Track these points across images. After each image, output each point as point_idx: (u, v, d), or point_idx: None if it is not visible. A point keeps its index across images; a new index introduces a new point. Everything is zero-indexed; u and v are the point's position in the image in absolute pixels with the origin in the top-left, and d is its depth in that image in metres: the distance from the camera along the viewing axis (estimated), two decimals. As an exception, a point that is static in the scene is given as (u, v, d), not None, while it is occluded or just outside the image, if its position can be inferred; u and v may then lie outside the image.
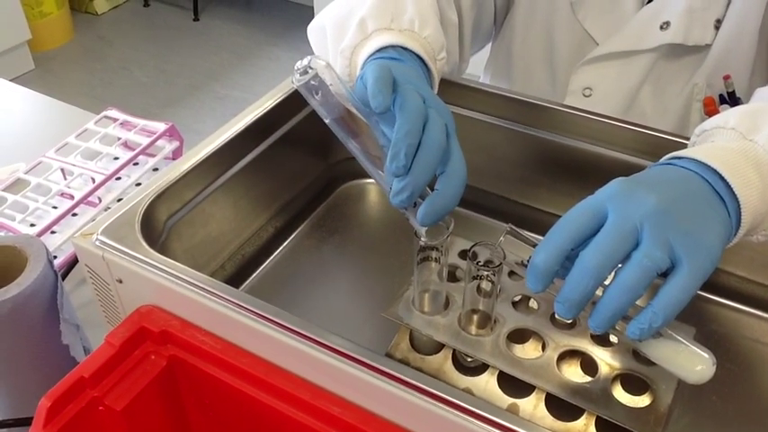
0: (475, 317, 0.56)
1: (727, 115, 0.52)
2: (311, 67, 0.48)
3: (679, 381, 0.54)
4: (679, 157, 0.50)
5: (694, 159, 0.48)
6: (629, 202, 0.44)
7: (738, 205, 0.46)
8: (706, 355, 0.46)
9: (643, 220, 0.43)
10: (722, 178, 0.47)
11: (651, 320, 0.43)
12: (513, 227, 0.50)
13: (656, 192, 0.45)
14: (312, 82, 0.48)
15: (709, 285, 0.69)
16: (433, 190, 0.49)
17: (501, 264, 0.52)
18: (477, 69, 0.97)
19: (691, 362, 0.46)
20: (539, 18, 0.83)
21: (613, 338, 0.57)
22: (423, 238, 0.52)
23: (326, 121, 0.50)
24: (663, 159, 0.51)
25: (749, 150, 0.49)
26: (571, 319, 0.45)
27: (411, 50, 0.57)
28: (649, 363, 0.55)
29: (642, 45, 0.76)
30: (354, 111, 0.51)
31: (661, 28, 0.74)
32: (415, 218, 0.49)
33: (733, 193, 0.46)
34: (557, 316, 0.45)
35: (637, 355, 0.56)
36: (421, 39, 0.59)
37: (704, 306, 0.68)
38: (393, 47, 0.56)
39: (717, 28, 0.73)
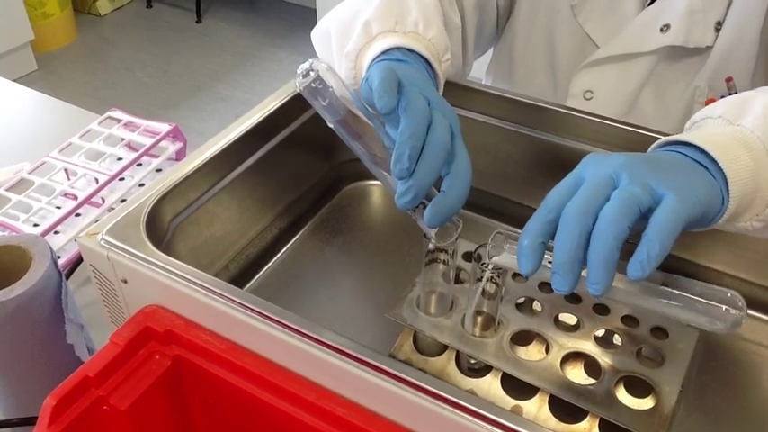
0: (479, 318, 0.56)
1: (715, 105, 0.54)
2: (313, 70, 0.49)
3: (683, 383, 0.54)
4: (663, 144, 0.51)
5: (677, 141, 0.49)
6: (602, 161, 0.46)
7: (723, 174, 0.47)
8: (727, 312, 0.44)
9: (618, 170, 0.44)
10: (706, 153, 0.47)
11: (648, 249, 0.42)
12: (501, 231, 0.51)
13: (631, 154, 0.46)
14: (314, 84, 0.49)
15: (713, 288, 0.69)
16: (439, 191, 0.49)
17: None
18: (480, 73, 0.97)
19: (713, 322, 0.44)
20: (540, 21, 0.83)
21: (617, 340, 0.57)
22: (432, 240, 0.52)
23: (330, 123, 0.50)
24: (649, 150, 0.52)
25: (737, 134, 0.50)
26: (568, 293, 0.44)
27: (416, 52, 0.57)
28: (653, 365, 0.55)
29: (642, 47, 0.76)
30: (358, 113, 0.51)
31: (661, 30, 0.74)
32: (423, 219, 0.49)
33: (719, 167, 0.47)
34: (554, 289, 0.45)
35: (640, 357, 0.56)
36: (425, 40, 0.59)
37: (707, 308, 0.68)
38: (398, 49, 0.56)
39: (717, 30, 0.73)
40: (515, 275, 0.62)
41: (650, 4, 0.76)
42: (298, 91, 0.49)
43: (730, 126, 0.51)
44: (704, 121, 0.54)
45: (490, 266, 0.52)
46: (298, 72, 0.49)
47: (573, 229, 0.43)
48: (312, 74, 0.48)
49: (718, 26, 0.73)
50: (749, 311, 0.68)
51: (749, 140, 0.49)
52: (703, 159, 0.48)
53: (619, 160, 0.45)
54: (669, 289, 0.45)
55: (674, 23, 0.73)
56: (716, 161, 0.47)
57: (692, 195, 0.44)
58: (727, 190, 0.47)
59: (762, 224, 0.50)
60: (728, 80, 0.75)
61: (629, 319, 0.59)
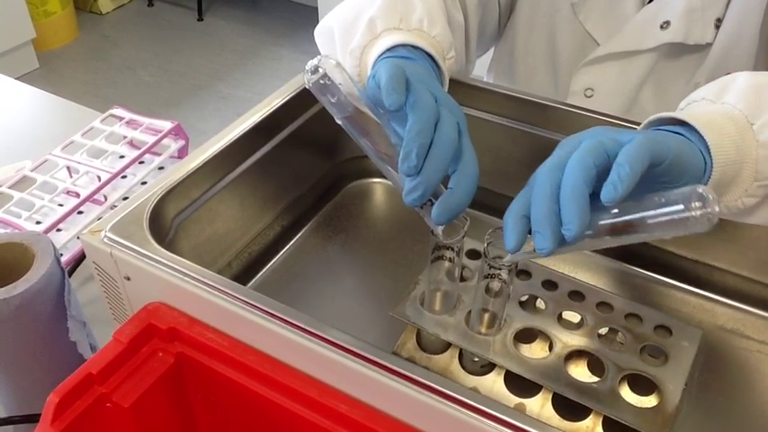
0: (485, 316, 0.56)
1: (699, 90, 0.55)
2: (321, 66, 0.49)
3: (686, 381, 0.54)
4: (645, 127, 0.53)
5: (658, 120, 0.51)
6: (574, 135, 0.48)
7: (704, 142, 0.48)
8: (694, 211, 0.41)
9: (587, 135, 0.46)
10: (687, 126, 0.49)
11: (619, 171, 0.42)
12: (496, 230, 0.51)
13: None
14: (322, 81, 0.49)
15: (715, 286, 0.69)
16: (447, 188, 0.49)
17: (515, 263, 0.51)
18: (481, 71, 0.97)
19: (686, 226, 0.42)
20: (540, 19, 0.83)
21: (621, 338, 0.57)
22: (439, 237, 0.52)
23: (338, 120, 0.50)
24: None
25: (720, 109, 0.51)
26: (551, 251, 0.45)
27: (421, 49, 0.57)
28: (656, 363, 0.55)
29: (643, 45, 0.76)
30: (365, 110, 0.51)
31: (661, 27, 0.74)
32: (430, 217, 0.49)
33: (699, 135, 0.48)
34: (537, 250, 0.45)
35: (644, 355, 0.56)
36: (430, 38, 0.59)
37: (710, 306, 0.68)
38: (403, 46, 0.56)
39: (717, 27, 0.73)
40: (519, 273, 0.62)
41: (650, 1, 0.76)
42: (301, 88, 0.49)
43: (713, 105, 0.52)
44: (689, 105, 0.55)
45: (506, 265, 0.52)
46: (306, 68, 0.49)
47: (545, 184, 0.45)
48: (320, 70, 0.48)
49: (718, 23, 0.73)
50: (753, 309, 0.68)
51: (732, 114, 0.50)
52: (684, 131, 0.49)
53: (589, 130, 0.47)
54: (633, 216, 0.44)
55: (674, 21, 0.73)
56: (697, 131, 0.48)
57: (659, 139, 0.45)
58: (710, 155, 0.48)
59: (754, 200, 0.51)
60: None
61: (633, 317, 0.59)
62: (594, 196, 0.44)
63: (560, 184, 0.44)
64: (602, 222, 0.45)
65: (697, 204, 0.41)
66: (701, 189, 0.41)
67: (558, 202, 0.44)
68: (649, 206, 0.43)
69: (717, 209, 0.40)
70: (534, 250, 0.46)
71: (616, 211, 0.44)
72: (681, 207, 0.41)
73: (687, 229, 0.42)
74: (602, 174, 0.43)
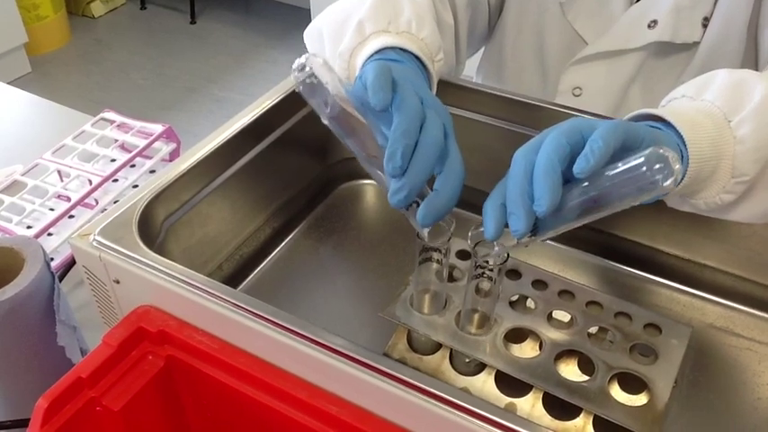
0: (475, 316, 0.56)
1: (680, 87, 0.56)
2: (308, 65, 0.49)
3: (676, 379, 0.54)
4: None
5: (637, 116, 0.52)
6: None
7: (681, 137, 0.48)
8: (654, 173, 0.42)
9: (563, 123, 0.47)
10: (664, 121, 0.49)
11: (591, 145, 0.43)
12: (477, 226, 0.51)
13: None
14: (308, 80, 0.49)
15: (705, 284, 0.69)
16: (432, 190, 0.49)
17: (505, 260, 0.51)
18: (470, 71, 0.97)
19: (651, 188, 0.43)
20: (529, 19, 0.83)
21: (610, 337, 0.57)
22: (425, 239, 0.52)
23: (324, 119, 0.50)
24: None
25: (698, 106, 0.52)
26: (525, 232, 0.46)
27: (409, 51, 0.57)
28: (646, 362, 0.55)
29: (630, 44, 0.77)
30: (352, 110, 0.51)
31: (649, 26, 0.75)
32: (416, 218, 0.49)
33: (676, 130, 0.49)
34: (512, 233, 0.46)
35: (634, 354, 0.56)
36: (418, 40, 0.59)
37: (700, 304, 0.69)
38: (392, 48, 0.56)
39: (705, 26, 0.73)
40: (509, 273, 0.62)
41: (638, 0, 0.76)
42: (291, 90, 0.49)
43: (693, 102, 0.53)
44: (670, 103, 0.56)
45: (494, 263, 0.52)
46: (293, 67, 0.49)
47: (519, 165, 0.46)
48: (308, 69, 0.48)
49: (706, 22, 0.73)
50: (743, 307, 0.68)
51: (710, 111, 0.51)
52: (662, 126, 0.50)
53: (568, 120, 0.47)
54: (598, 192, 0.45)
55: (662, 19, 0.74)
56: (673, 126, 0.49)
57: (636, 125, 0.46)
58: (687, 149, 0.48)
59: (732, 196, 0.51)
60: None
61: (623, 316, 0.59)
62: (568, 183, 0.45)
63: (534, 164, 0.45)
64: (573, 200, 0.45)
65: (657, 165, 0.41)
66: (661, 149, 0.42)
67: (531, 182, 0.45)
68: (614, 170, 0.44)
69: (677, 166, 0.41)
70: (518, 242, 0.47)
71: (586, 184, 0.45)
72: (642, 160, 0.42)
73: (651, 190, 0.42)
74: (576, 154, 0.44)
